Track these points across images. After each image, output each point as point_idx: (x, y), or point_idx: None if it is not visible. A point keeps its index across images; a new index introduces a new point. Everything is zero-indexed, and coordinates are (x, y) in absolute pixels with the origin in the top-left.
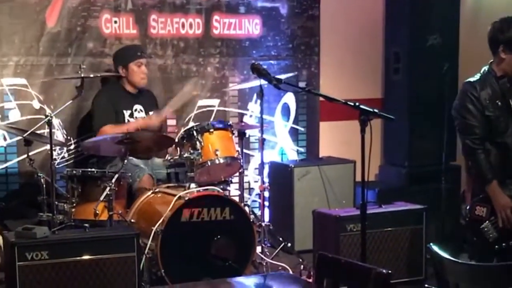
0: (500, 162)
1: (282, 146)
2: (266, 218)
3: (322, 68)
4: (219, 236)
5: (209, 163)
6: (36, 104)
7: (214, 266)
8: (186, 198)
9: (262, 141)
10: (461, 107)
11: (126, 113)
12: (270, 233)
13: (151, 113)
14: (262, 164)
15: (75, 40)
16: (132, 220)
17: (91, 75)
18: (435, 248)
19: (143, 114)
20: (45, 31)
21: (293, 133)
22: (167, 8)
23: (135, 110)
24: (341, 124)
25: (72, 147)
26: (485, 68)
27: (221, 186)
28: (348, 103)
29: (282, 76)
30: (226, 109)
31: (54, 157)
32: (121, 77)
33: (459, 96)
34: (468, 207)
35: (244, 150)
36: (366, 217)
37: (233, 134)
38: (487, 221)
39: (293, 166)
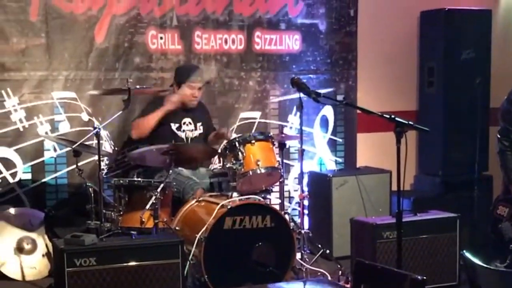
0: None
1: (321, 157)
2: (306, 225)
3: (359, 81)
4: (260, 243)
5: (250, 173)
6: (85, 117)
7: (255, 272)
8: (229, 207)
9: (302, 152)
10: (504, 110)
11: (174, 126)
12: (309, 240)
13: (198, 124)
14: (301, 174)
15: (122, 55)
16: (177, 228)
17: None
18: (468, 255)
19: (192, 126)
20: (94, 47)
21: (332, 144)
22: (210, 24)
23: (184, 123)
24: (377, 135)
25: (119, 157)
26: None
27: (262, 195)
28: (384, 115)
29: (321, 90)
30: (267, 121)
31: (102, 167)
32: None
33: (506, 99)
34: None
35: (284, 161)
36: (402, 225)
37: (273, 145)
38: (506, 221)
39: (331, 175)
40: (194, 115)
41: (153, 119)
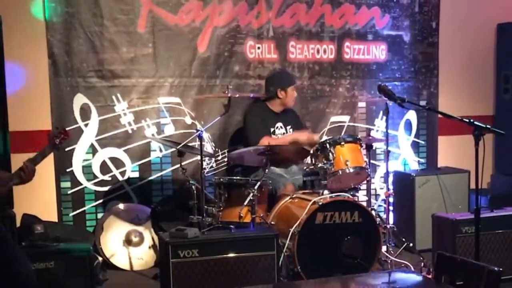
0: None
1: (405, 157)
2: (391, 221)
3: (440, 88)
4: (349, 237)
5: (340, 172)
6: (188, 120)
7: (344, 264)
8: (320, 203)
9: (387, 153)
10: None
11: (270, 130)
12: (394, 234)
13: (288, 127)
14: (387, 173)
15: (223, 63)
16: (272, 222)
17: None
18: None
19: (283, 130)
20: (196, 55)
21: (415, 145)
22: (304, 35)
23: (277, 127)
24: (457, 138)
25: (219, 158)
26: None
27: (351, 193)
28: (463, 119)
29: (405, 96)
30: (356, 124)
31: (204, 166)
32: (269, 97)
33: None
34: None
35: (371, 161)
36: (480, 221)
37: (361, 146)
38: None
39: (414, 175)
40: (285, 120)
41: (283, 143)
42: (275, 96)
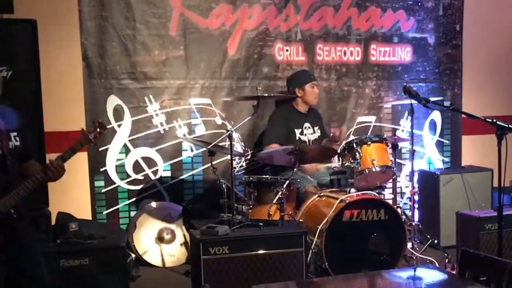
0: None
1: (430, 156)
2: (416, 218)
3: (464, 89)
4: (375, 234)
5: (367, 171)
6: (219, 121)
7: (371, 260)
8: (347, 201)
9: (412, 152)
10: None
11: (297, 131)
12: (419, 231)
13: (316, 128)
14: (412, 172)
15: (252, 65)
16: (301, 220)
17: (266, 95)
18: None
19: (311, 130)
20: (226, 58)
21: (439, 145)
22: (331, 38)
23: (305, 127)
24: (480, 137)
25: (249, 157)
26: None
27: (377, 191)
28: (486, 119)
29: (430, 97)
30: (381, 124)
31: (234, 165)
32: (293, 98)
33: None
34: None
35: (397, 160)
36: (502, 218)
37: (387, 146)
38: None
39: (439, 173)
40: (312, 121)
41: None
42: (295, 95)
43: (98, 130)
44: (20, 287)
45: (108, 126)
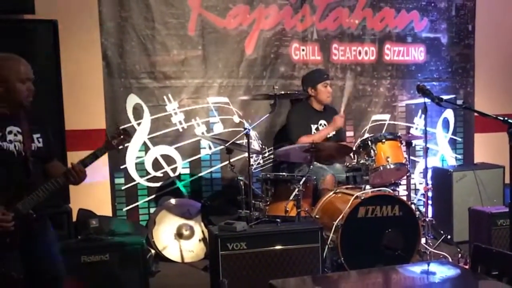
0: None
1: (443, 154)
2: (430, 214)
3: (476, 88)
4: (389, 230)
5: (381, 168)
6: (236, 119)
7: (385, 255)
8: (362, 198)
9: (426, 150)
10: None
11: (313, 127)
12: (432, 227)
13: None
14: (426, 169)
15: (269, 65)
16: (317, 216)
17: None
18: None
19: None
20: (244, 57)
21: (452, 142)
22: (346, 38)
23: (320, 124)
24: (492, 135)
25: (266, 155)
26: None
27: (392, 187)
28: (498, 117)
29: (443, 96)
30: (396, 122)
31: (251, 163)
32: (309, 96)
33: None
34: None
35: (411, 157)
36: None
37: (401, 143)
38: None
39: (452, 170)
40: (327, 118)
41: (319, 139)
42: (308, 94)
43: (122, 137)
44: (37, 284)
45: (128, 125)
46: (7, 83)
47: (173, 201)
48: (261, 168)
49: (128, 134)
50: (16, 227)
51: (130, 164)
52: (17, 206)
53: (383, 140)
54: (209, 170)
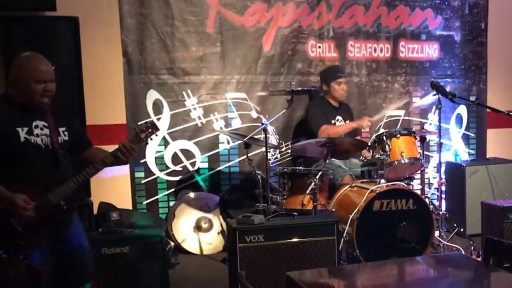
0: None
1: (456, 149)
2: (443, 207)
3: (489, 84)
4: (404, 223)
5: (396, 163)
6: (254, 114)
7: (400, 248)
8: (377, 191)
9: (440, 145)
10: None
11: (332, 122)
12: (446, 220)
13: (347, 122)
14: (439, 164)
15: (286, 61)
16: (333, 209)
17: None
18: None
19: (342, 123)
20: (261, 54)
21: (465, 138)
22: (362, 35)
23: (337, 120)
24: (504, 130)
25: (283, 149)
26: None
27: (406, 182)
28: (510, 114)
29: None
30: (410, 118)
31: (268, 157)
32: (325, 92)
33: None
34: None
35: (425, 152)
36: None
37: (415, 139)
38: None
39: (465, 165)
40: (343, 114)
41: (343, 131)
42: (324, 90)
43: (150, 130)
44: (65, 275)
45: (148, 120)
46: (24, 82)
47: (192, 194)
48: (278, 163)
49: (156, 126)
50: (47, 218)
51: (150, 158)
52: (49, 197)
53: (398, 136)
54: (227, 164)
